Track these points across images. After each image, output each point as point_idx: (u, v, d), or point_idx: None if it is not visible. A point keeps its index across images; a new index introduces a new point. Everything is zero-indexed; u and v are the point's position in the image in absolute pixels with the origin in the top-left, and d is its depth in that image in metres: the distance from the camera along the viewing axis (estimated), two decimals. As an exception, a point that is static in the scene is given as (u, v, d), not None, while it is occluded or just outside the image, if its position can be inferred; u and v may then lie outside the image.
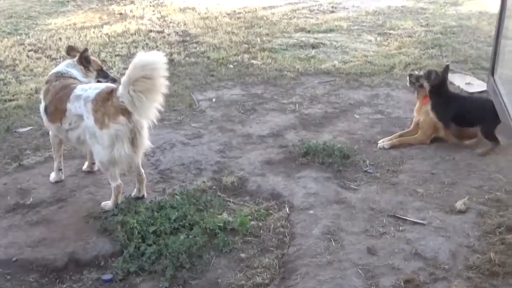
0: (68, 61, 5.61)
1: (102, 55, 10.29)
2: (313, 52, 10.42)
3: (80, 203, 5.21)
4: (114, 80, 5.73)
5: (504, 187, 5.18)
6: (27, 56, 10.37)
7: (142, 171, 5.23)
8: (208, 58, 10.01)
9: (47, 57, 10.24)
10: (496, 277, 3.92)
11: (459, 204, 4.86)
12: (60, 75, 5.34)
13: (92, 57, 5.72)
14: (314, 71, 9.19)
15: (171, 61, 9.76)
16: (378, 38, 11.38)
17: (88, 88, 5.01)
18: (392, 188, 5.28)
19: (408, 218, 4.74)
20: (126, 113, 4.72)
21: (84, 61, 5.54)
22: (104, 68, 6.08)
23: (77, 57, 5.56)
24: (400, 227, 4.62)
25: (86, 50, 5.60)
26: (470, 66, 9.17)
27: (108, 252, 4.47)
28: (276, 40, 11.32)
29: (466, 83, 8.19)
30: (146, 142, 4.97)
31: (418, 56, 9.80)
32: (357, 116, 7.14)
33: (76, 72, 5.47)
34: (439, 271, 4.03)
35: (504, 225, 4.50)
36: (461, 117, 6.10)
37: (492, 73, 4.88)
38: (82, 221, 4.88)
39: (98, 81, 5.62)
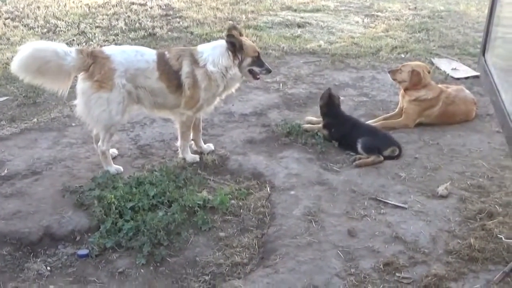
0: (221, 42, 5.32)
1: (82, 26, 10.17)
2: (299, 31, 10.42)
3: (56, 176, 5.17)
4: (269, 71, 5.50)
5: (487, 173, 5.24)
6: (4, 24, 10.23)
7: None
8: (192, 33, 9.95)
9: (25, 26, 10.10)
10: (475, 263, 3.97)
11: (441, 189, 4.91)
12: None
13: (248, 41, 5.42)
14: (299, 50, 9.18)
15: (153, 35, 9.71)
16: (365, 20, 11.40)
17: None
18: (374, 171, 5.32)
19: (390, 202, 4.78)
20: None
21: (232, 46, 5.19)
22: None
23: (225, 41, 5.24)
24: (381, 210, 4.65)
25: (230, 34, 5.20)
26: (457, 51, 9.22)
27: (84, 227, 4.45)
28: (261, 17, 11.29)
29: (452, 68, 8.24)
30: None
31: (405, 40, 9.83)
32: (341, 98, 7.14)
33: (212, 56, 5.18)
34: (418, 255, 4.08)
35: (485, 211, 4.56)
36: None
37: (483, 53, 4.88)
38: (58, 195, 4.85)
39: (251, 70, 5.35)
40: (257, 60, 5.37)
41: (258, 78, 5.53)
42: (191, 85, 5.19)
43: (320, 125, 6.03)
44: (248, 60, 5.31)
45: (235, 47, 5.21)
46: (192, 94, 5.22)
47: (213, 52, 5.23)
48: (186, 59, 5.18)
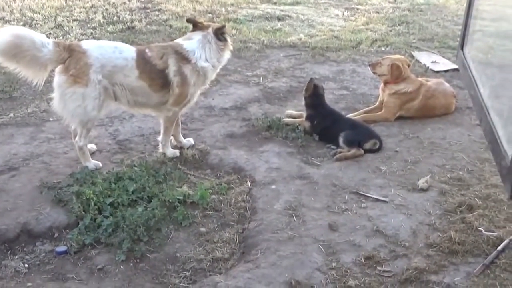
0: (199, 36, 5.31)
1: (59, 19, 10.04)
2: (279, 24, 10.40)
3: (34, 172, 5.11)
4: None
5: (466, 166, 5.29)
6: (-22, 17, 10.06)
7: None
8: (171, 26, 9.87)
9: (0, 19, 9.94)
10: (455, 255, 4.01)
11: (421, 182, 4.95)
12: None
13: (225, 25, 5.54)
14: (280, 44, 9.17)
15: (131, 29, 9.63)
16: (346, 13, 11.41)
17: None
18: (355, 165, 5.34)
19: (370, 195, 4.81)
20: None
21: (222, 35, 5.36)
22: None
23: (213, 31, 5.30)
24: (362, 204, 4.68)
25: (223, 28, 5.38)
26: (437, 44, 9.27)
27: (62, 224, 4.41)
28: (241, 10, 11.25)
29: (432, 61, 8.28)
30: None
31: (385, 33, 9.86)
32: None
33: (204, 53, 5.24)
34: (399, 248, 4.11)
35: (465, 204, 4.60)
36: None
37: (462, 47, 4.92)
38: (35, 191, 4.79)
39: None
40: None
41: None
42: (180, 83, 5.17)
43: (302, 118, 6.04)
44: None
45: (224, 34, 5.35)
46: (182, 91, 5.21)
47: (204, 49, 5.26)
48: (171, 57, 5.15)
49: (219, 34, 5.31)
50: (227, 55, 5.49)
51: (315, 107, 5.99)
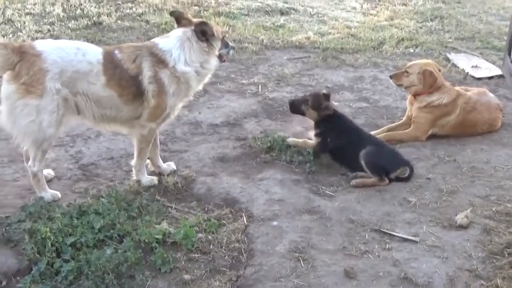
0: (179, 33, 5.33)
1: (8, 12, 10.11)
2: (282, 19, 10.49)
3: (-24, 205, 5.13)
4: (233, 48, 5.84)
5: (516, 197, 5.33)
6: None
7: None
8: (147, 22, 9.95)
9: None
10: (503, 309, 4.04)
11: (460, 218, 4.96)
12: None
13: (212, 24, 5.48)
14: (283, 44, 9.23)
15: (98, 25, 9.68)
16: (365, 5, 11.53)
17: None
18: (378, 196, 5.36)
19: (397, 234, 4.81)
20: None
21: (203, 34, 5.31)
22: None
23: (193, 30, 5.29)
24: (386, 245, 4.68)
25: (202, 22, 5.37)
26: (478, 44, 9.35)
27: (12, 269, 4.39)
28: (235, 2, 11.35)
29: (472, 66, 8.34)
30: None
31: (414, 30, 9.95)
32: (336, 104, 7.20)
33: (183, 54, 5.25)
34: (433, 300, 4.13)
35: (515, 245, 4.62)
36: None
37: (510, 52, 4.97)
38: (-22, 229, 4.81)
39: (219, 56, 5.53)
40: (224, 41, 5.58)
41: (224, 61, 5.75)
42: (156, 92, 5.19)
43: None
44: (219, 44, 5.48)
45: (206, 34, 5.30)
46: (158, 102, 5.24)
47: (182, 49, 5.26)
48: (146, 60, 5.17)
49: (198, 32, 5.29)
50: (214, 60, 5.47)
51: (329, 120, 5.96)
